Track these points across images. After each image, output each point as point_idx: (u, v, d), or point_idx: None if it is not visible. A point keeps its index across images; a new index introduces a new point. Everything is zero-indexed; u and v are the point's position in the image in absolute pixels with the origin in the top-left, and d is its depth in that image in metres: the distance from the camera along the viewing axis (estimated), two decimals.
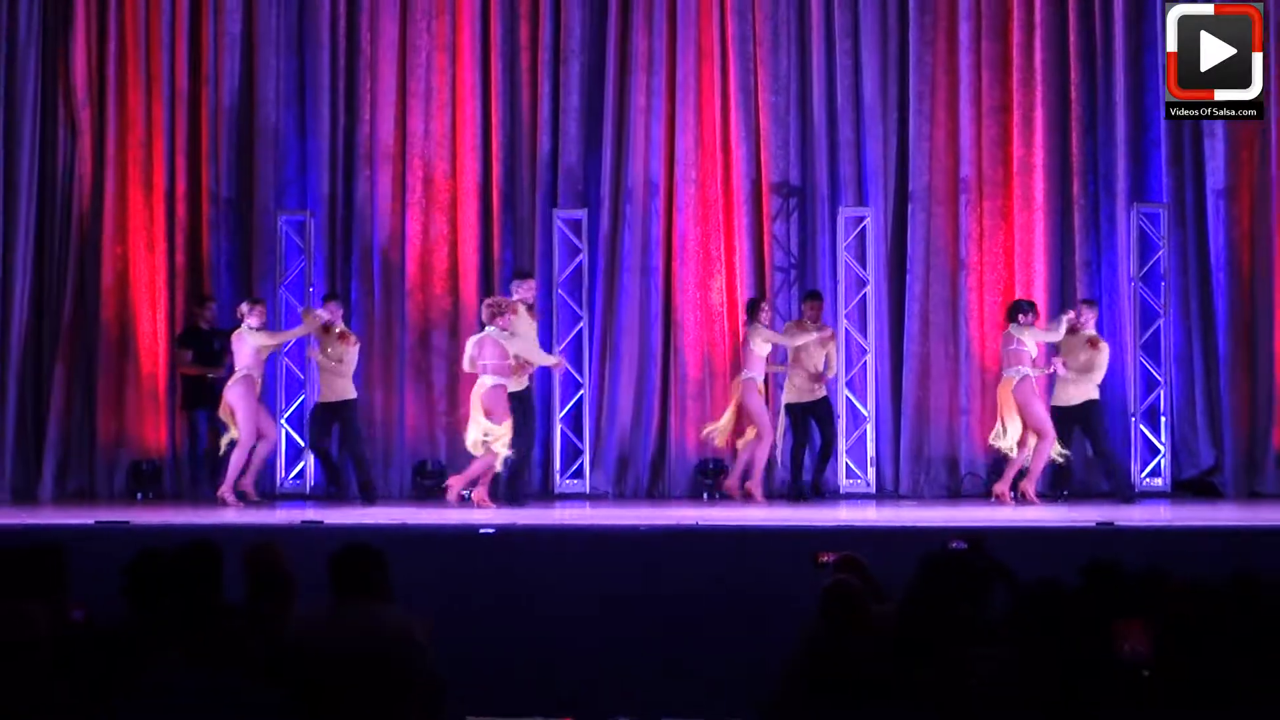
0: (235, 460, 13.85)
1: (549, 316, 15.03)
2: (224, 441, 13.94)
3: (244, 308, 13.97)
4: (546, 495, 14.90)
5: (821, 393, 14.39)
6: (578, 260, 15.11)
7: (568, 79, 15.33)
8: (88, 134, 15.29)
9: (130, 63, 15.37)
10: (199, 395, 14.54)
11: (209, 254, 15.34)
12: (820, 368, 14.34)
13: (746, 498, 14.10)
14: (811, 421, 14.48)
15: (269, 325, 14.28)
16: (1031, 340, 13.84)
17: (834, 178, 15.22)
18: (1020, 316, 13.89)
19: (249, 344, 13.82)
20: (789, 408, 14.41)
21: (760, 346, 14.11)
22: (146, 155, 15.35)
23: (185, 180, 15.35)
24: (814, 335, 14.25)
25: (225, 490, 13.70)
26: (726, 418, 14.21)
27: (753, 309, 14.27)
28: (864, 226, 15.01)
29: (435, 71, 15.42)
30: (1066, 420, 13.98)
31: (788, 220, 15.33)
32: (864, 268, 14.96)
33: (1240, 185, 14.88)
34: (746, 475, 14.21)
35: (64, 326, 15.21)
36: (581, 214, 15.17)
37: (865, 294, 14.79)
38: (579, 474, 14.98)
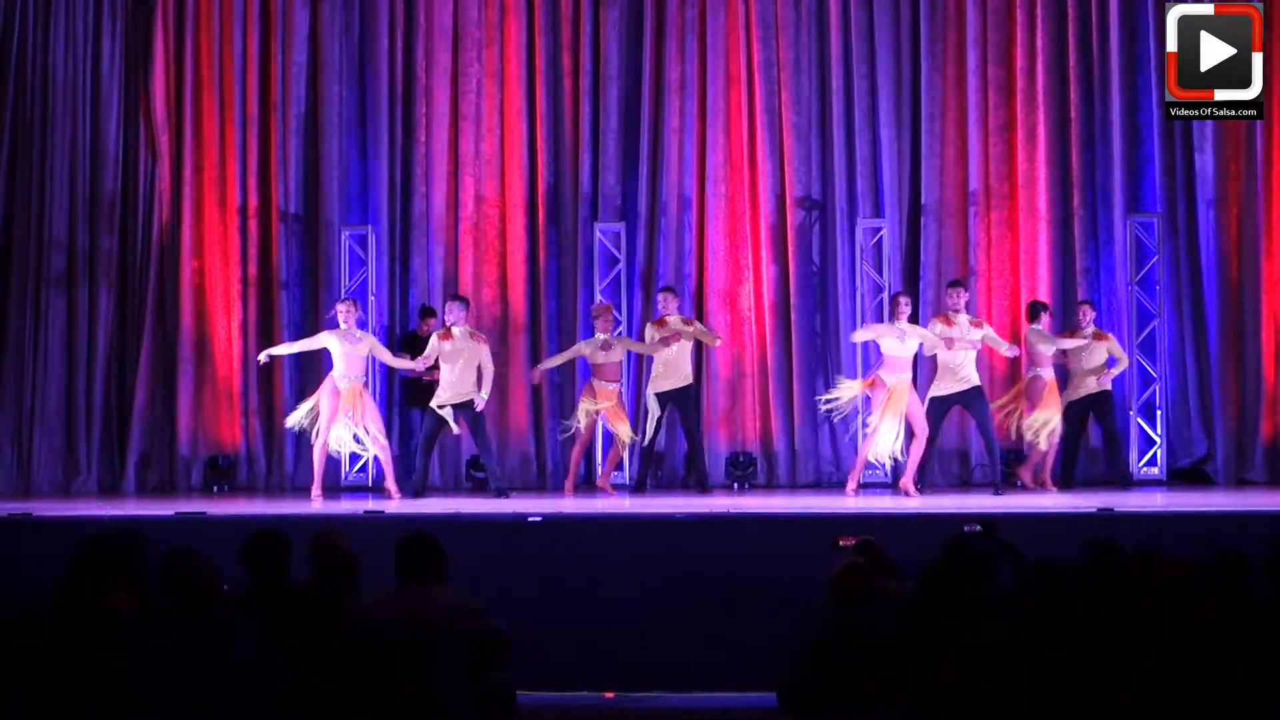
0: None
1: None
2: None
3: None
4: (589, 486, 14.91)
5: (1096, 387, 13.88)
6: (616, 270, 15.14)
7: (607, 103, 15.35)
8: (167, 156, 15.39)
9: (205, 91, 15.46)
10: (417, 395, 14.41)
11: (279, 266, 15.41)
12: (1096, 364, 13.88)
13: (1040, 486, 13.61)
14: (1091, 415, 14.06)
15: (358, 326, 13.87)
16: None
17: (852, 192, 15.21)
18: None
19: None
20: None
21: (1048, 346, 13.64)
22: (221, 176, 15.44)
23: (256, 198, 15.43)
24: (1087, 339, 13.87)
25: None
26: (1016, 405, 13.81)
27: (1036, 313, 13.82)
28: (880, 237, 14.99)
29: (485, 97, 15.45)
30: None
31: (809, 232, 15.32)
32: (880, 275, 14.93)
33: (1229, 196, 14.82)
34: (1040, 466, 13.76)
35: (146, 333, 15.27)
36: (620, 227, 15.19)
37: (882, 299, 14.75)
38: (619, 466, 14.95)
